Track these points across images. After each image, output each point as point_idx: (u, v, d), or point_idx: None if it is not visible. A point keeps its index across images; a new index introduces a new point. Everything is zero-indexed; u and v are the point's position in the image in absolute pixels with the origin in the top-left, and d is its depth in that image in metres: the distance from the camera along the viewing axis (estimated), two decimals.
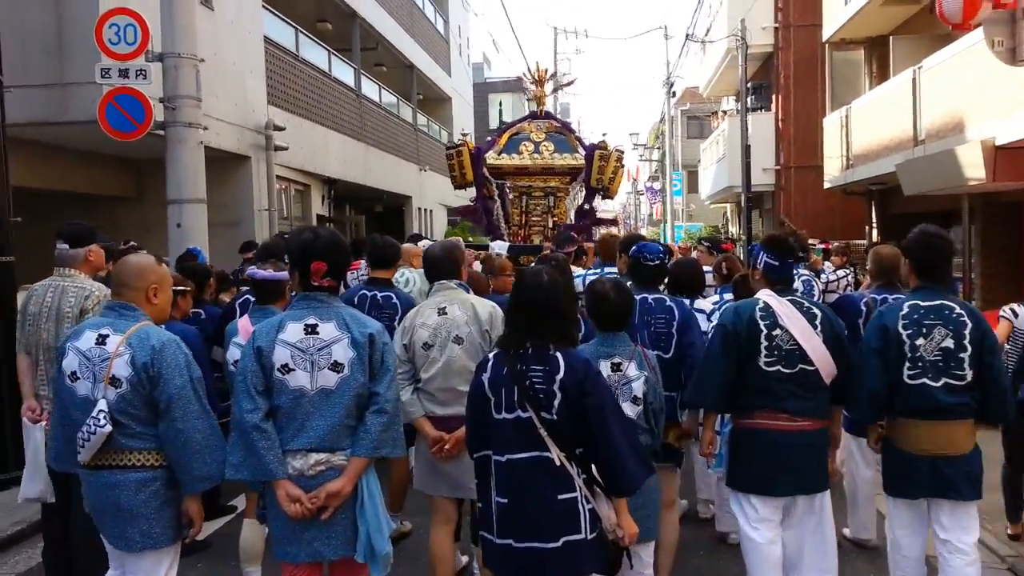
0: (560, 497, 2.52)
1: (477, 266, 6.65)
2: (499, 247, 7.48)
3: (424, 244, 7.88)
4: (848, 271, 9.19)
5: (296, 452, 2.60)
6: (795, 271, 4.53)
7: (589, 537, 2.56)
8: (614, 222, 9.71)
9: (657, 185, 37.92)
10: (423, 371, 3.55)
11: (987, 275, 11.07)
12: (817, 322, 3.27)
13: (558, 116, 11.47)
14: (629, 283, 3.61)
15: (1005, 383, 3.31)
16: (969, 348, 3.19)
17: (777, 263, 3.41)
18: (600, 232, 8.15)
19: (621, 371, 3.11)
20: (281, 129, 11.01)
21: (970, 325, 3.21)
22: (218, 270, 5.88)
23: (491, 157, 8.50)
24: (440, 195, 21.05)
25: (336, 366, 2.61)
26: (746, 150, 16.63)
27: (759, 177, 17.72)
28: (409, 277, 5.62)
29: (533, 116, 8.85)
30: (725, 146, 20.14)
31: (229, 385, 3.45)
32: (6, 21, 6.99)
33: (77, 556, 3.49)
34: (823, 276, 8.92)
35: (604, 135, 8.95)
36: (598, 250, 6.19)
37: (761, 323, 3.26)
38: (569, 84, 14.58)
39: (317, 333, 2.63)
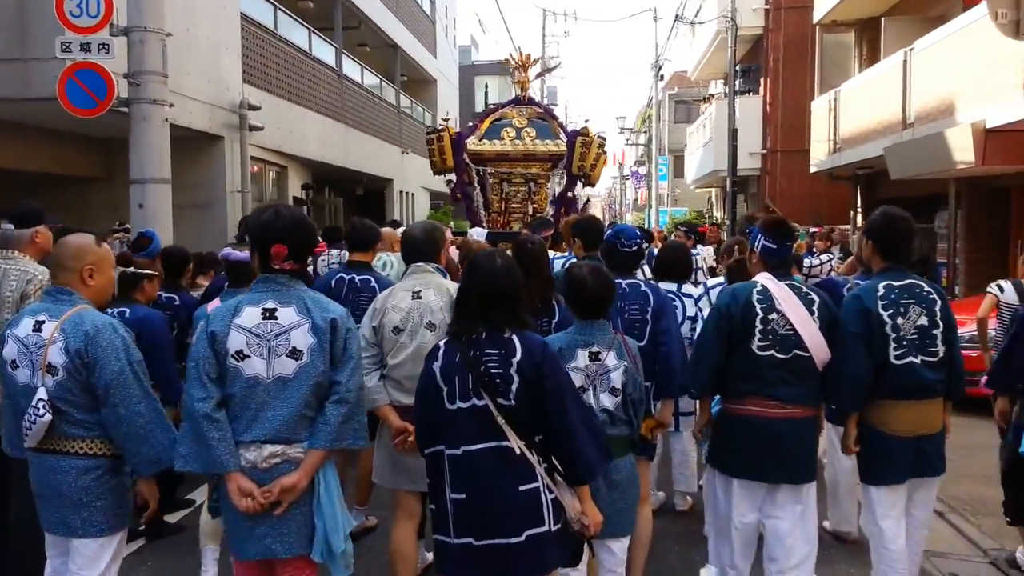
0: (521, 488, 2.42)
1: (454, 251, 6.49)
2: (478, 234, 7.37)
3: (403, 230, 7.68)
4: (831, 256, 9.09)
5: (250, 444, 2.47)
6: None
7: (553, 529, 2.45)
8: (587, 202, 9.57)
9: (643, 170, 37.75)
10: (391, 356, 3.38)
11: (972, 260, 11.00)
12: (815, 307, 3.21)
13: (542, 102, 11.32)
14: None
15: (962, 360, 3.35)
16: (940, 325, 3.22)
17: (775, 246, 3.33)
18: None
19: (600, 360, 2.97)
20: (257, 108, 10.70)
21: (939, 302, 3.25)
22: (205, 252, 5.69)
23: (472, 143, 8.37)
24: (422, 178, 20.75)
25: (295, 353, 2.47)
26: (733, 134, 16.46)
27: (745, 161, 17.60)
28: (387, 260, 5.47)
29: (516, 102, 8.73)
30: (712, 130, 19.96)
31: None
32: None
33: (14, 547, 3.34)
34: (806, 261, 8.85)
35: (587, 121, 9.22)
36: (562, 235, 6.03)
37: (757, 306, 3.20)
38: (553, 69, 14.47)
39: (275, 318, 2.50)
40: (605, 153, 8.86)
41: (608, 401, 2.97)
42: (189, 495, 4.95)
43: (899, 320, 3.18)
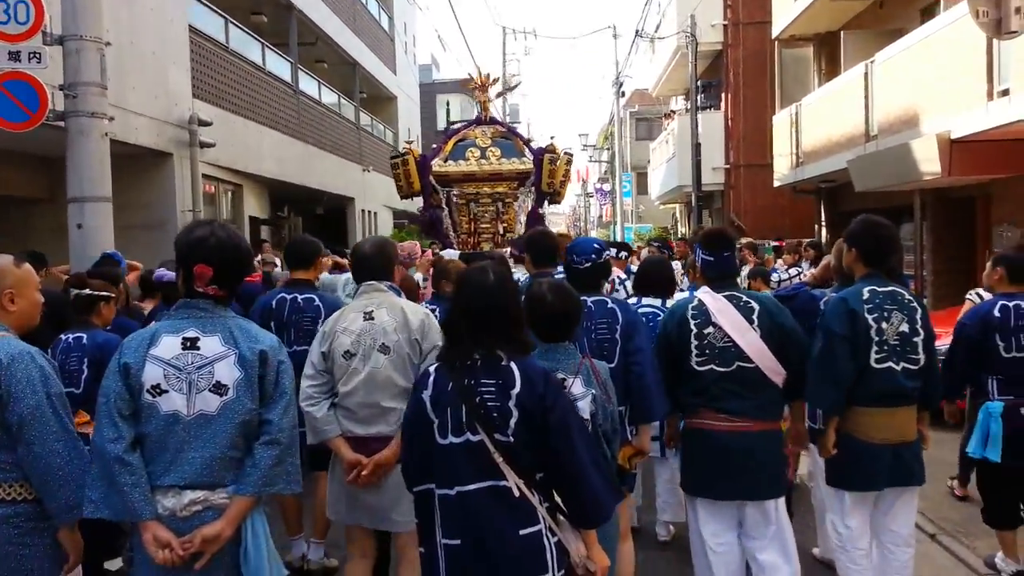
0: (522, 532, 2.18)
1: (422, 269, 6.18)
2: (449, 255, 7.27)
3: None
4: (799, 270, 9.00)
5: (167, 489, 2.24)
6: None
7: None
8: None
9: (607, 187, 37.85)
10: (342, 384, 3.11)
11: (939, 271, 10.99)
12: (754, 316, 3.18)
13: (504, 120, 11.44)
14: None
15: (939, 370, 3.38)
16: (922, 332, 3.22)
17: (712, 258, 3.35)
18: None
19: (565, 388, 2.67)
20: (208, 124, 10.29)
21: (920, 311, 3.26)
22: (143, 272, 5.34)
23: (437, 164, 8.39)
24: (385, 197, 20.39)
25: (219, 387, 2.26)
26: (696, 148, 16.43)
27: (709, 176, 17.61)
28: (348, 278, 5.29)
29: (478, 121, 8.80)
30: (675, 145, 19.98)
31: None
32: None
33: None
34: (774, 275, 8.77)
35: (552, 138, 9.01)
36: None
37: (691, 322, 3.22)
38: (514, 88, 14.68)
39: (197, 348, 2.28)
40: (570, 169, 8.99)
41: None
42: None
43: (883, 325, 3.17)
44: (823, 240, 14.88)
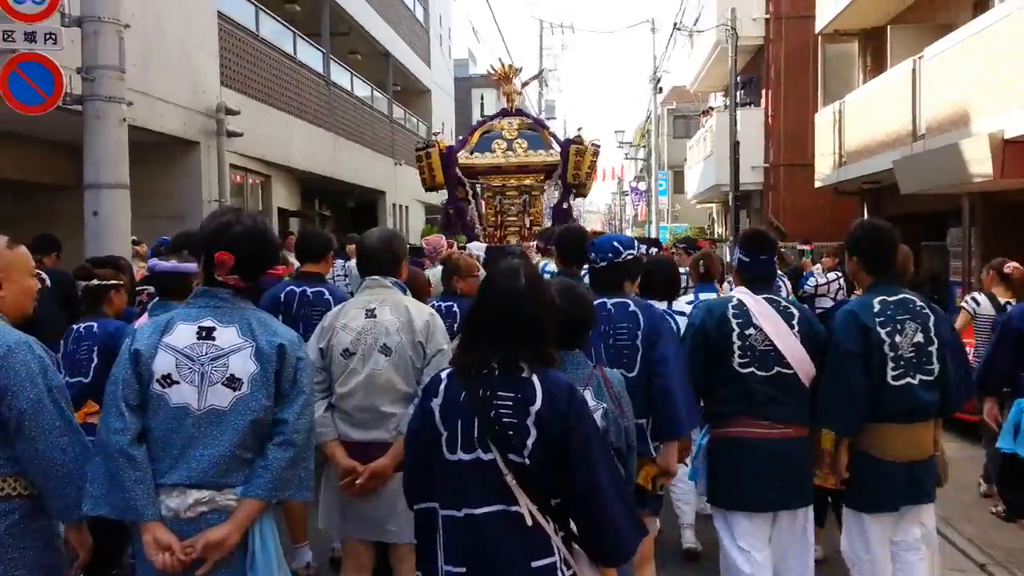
0: (535, 564, 1.97)
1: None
2: (476, 248, 7.20)
3: None
4: (839, 274, 8.61)
5: (172, 488, 2.11)
6: None
7: None
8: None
9: (642, 185, 37.39)
10: (340, 384, 2.93)
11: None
12: (795, 321, 3.11)
13: (533, 112, 11.31)
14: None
15: (954, 377, 3.21)
16: (936, 341, 3.09)
17: (748, 259, 3.26)
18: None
19: None
20: (235, 113, 10.19)
21: (933, 317, 3.12)
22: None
23: (463, 157, 8.28)
24: (417, 191, 20.07)
25: (232, 381, 2.14)
26: (735, 146, 16.00)
27: (747, 175, 17.16)
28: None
29: (504, 113, 8.66)
30: (713, 143, 19.53)
31: None
32: None
33: None
34: (812, 279, 8.39)
35: (579, 129, 8.81)
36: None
37: (733, 321, 3.10)
38: (538, 76, 14.47)
39: (213, 339, 2.17)
40: (596, 161, 8.68)
41: None
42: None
43: (897, 338, 3.03)
44: None
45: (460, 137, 8.89)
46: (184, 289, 3.31)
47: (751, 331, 3.08)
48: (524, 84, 10.21)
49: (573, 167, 8.19)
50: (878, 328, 3.03)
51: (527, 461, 1.96)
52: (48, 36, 5.66)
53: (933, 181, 9.72)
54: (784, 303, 3.19)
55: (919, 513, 3.17)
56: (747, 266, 3.26)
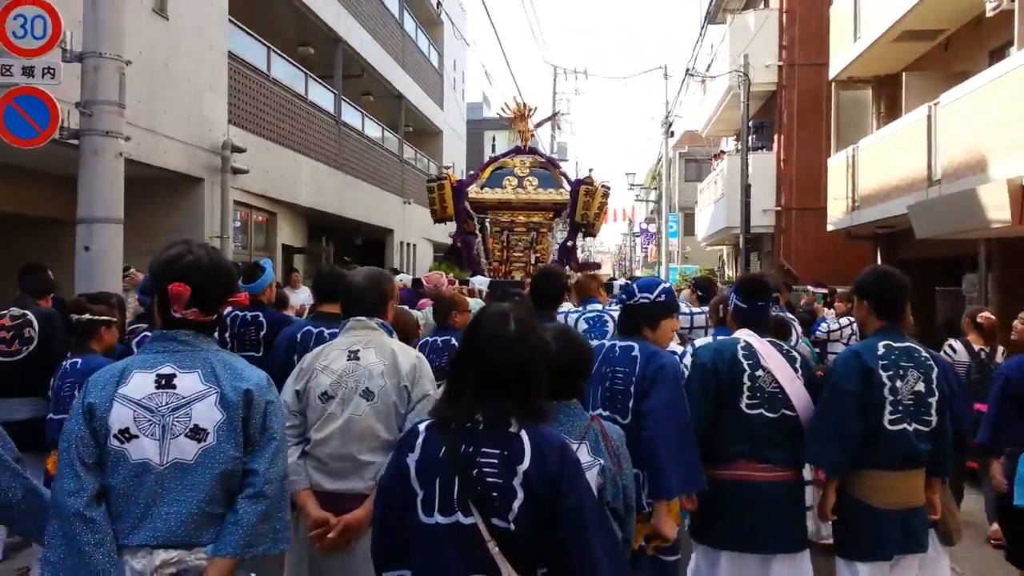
0: None
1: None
2: (479, 282, 7.23)
3: (402, 278, 7.22)
4: (851, 319, 8.39)
5: (137, 549, 1.96)
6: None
7: None
8: (597, 266, 9.79)
9: (652, 227, 37.34)
10: (316, 430, 2.75)
11: (1006, 325, 10.20)
12: (797, 365, 3.14)
13: (545, 152, 11.58)
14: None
15: (950, 433, 3.16)
16: (936, 393, 3.06)
17: (746, 305, 3.30)
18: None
19: None
20: (242, 151, 10.16)
21: (936, 370, 3.08)
22: None
23: (473, 191, 8.38)
24: (425, 229, 20.23)
25: (197, 432, 2.00)
26: (746, 189, 15.89)
27: (758, 218, 17.02)
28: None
29: (517, 151, 8.75)
30: (724, 186, 19.45)
31: None
32: None
33: None
34: (824, 324, 8.18)
35: (591, 170, 8.98)
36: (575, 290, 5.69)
37: (744, 362, 3.10)
38: (554, 117, 14.78)
39: (173, 387, 2.02)
40: (607, 202, 8.78)
41: None
42: None
43: (898, 383, 3.01)
44: None
45: (472, 172, 8.89)
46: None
47: (760, 372, 3.07)
48: (537, 125, 10.30)
49: (582, 207, 8.27)
50: (880, 371, 2.99)
51: (512, 526, 1.78)
52: (46, 71, 5.60)
53: (949, 226, 9.52)
54: (786, 347, 3.22)
55: (913, 563, 3.11)
56: (744, 312, 3.30)
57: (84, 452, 1.97)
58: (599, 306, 5.16)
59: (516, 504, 1.78)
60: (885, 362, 3.01)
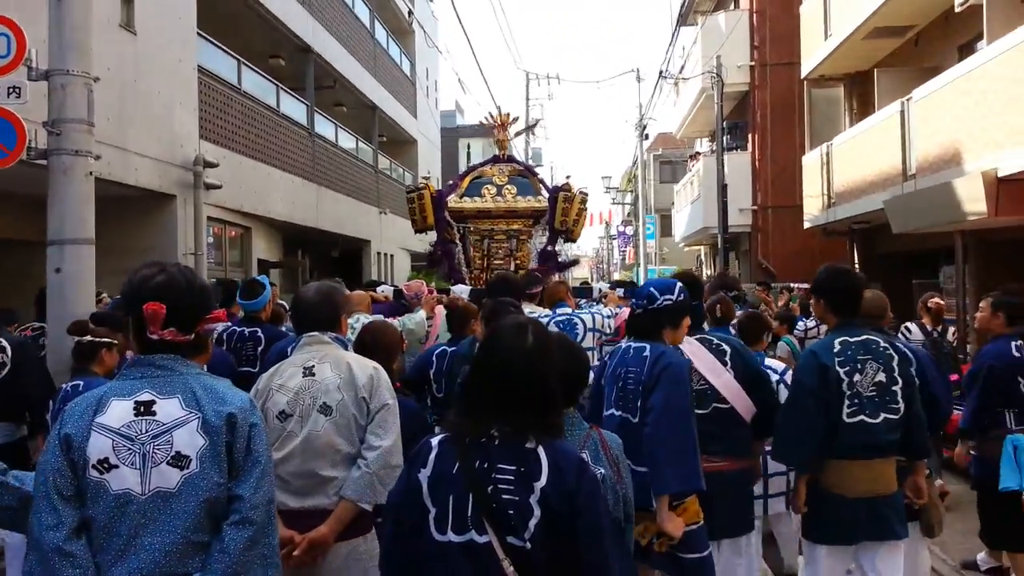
0: None
1: (440, 310, 5.87)
2: (461, 291, 7.11)
3: (383, 289, 7.14)
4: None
5: None
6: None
7: None
8: (575, 262, 9.90)
9: (630, 230, 37.46)
10: (276, 449, 2.71)
11: None
12: (727, 358, 3.30)
13: (522, 160, 11.72)
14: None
15: (923, 419, 3.27)
16: (900, 381, 3.17)
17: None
18: (557, 276, 8.23)
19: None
20: (214, 166, 9.99)
21: (896, 358, 3.20)
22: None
23: (452, 200, 8.48)
24: (402, 239, 20.10)
25: (179, 459, 1.93)
26: (723, 189, 15.95)
27: (735, 218, 17.11)
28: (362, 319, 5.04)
29: (495, 160, 8.88)
30: (700, 187, 19.54)
31: None
32: None
33: None
34: (801, 323, 8.15)
35: (568, 177, 9.00)
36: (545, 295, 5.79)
37: None
38: (533, 127, 14.98)
39: (152, 414, 1.96)
40: (586, 208, 8.85)
41: None
42: None
43: (856, 377, 3.13)
44: None
45: (450, 181, 9.05)
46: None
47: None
48: (517, 134, 10.40)
49: (561, 214, 8.31)
50: (837, 367, 3.11)
51: (528, 545, 1.73)
52: (12, 90, 5.45)
53: (926, 220, 9.59)
54: (716, 341, 3.37)
55: (893, 552, 3.19)
56: None
57: (62, 484, 1.90)
58: (568, 309, 5.31)
59: (532, 522, 1.74)
60: (841, 358, 3.13)
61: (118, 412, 1.94)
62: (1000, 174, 7.98)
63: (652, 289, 3.17)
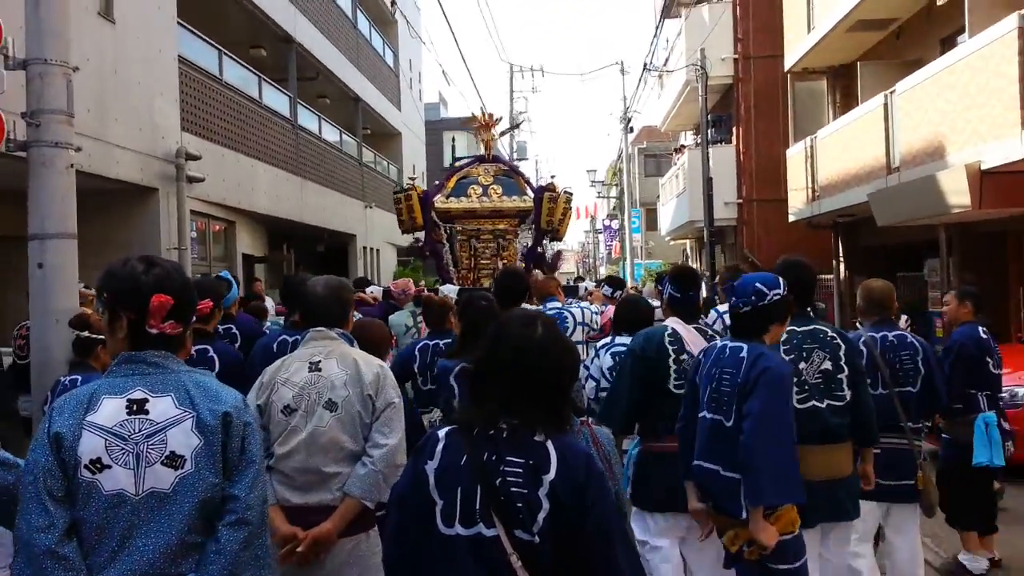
0: None
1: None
2: (448, 290, 7.19)
3: (372, 291, 7.13)
4: (822, 307, 8.51)
5: None
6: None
7: None
8: (558, 256, 10.29)
9: (615, 223, 37.49)
10: (279, 444, 2.72)
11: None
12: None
13: (509, 157, 11.81)
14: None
15: (871, 405, 3.38)
16: (845, 369, 3.28)
17: (679, 295, 3.60)
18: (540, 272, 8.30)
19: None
20: (196, 158, 9.87)
21: (843, 347, 3.32)
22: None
23: (439, 201, 8.58)
24: (387, 233, 19.99)
25: (173, 459, 1.89)
26: (708, 182, 15.99)
27: (721, 211, 17.16)
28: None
29: (481, 160, 9.01)
30: (685, 180, 19.57)
31: None
32: None
33: None
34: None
35: (553, 177, 9.27)
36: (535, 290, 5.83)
37: (669, 348, 3.41)
38: (518, 127, 15.52)
39: (145, 412, 1.91)
40: (570, 208, 9.06)
41: None
42: None
43: (802, 364, 3.26)
44: (842, 276, 14.36)
45: (437, 182, 9.24)
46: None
47: (685, 356, 3.38)
48: (502, 134, 10.56)
49: (546, 213, 8.47)
50: (783, 355, 3.19)
51: (536, 539, 1.71)
52: None
53: (910, 213, 9.66)
54: (711, 332, 3.57)
55: (847, 530, 3.37)
56: (677, 301, 3.61)
57: (52, 485, 1.85)
58: (558, 304, 5.38)
59: (541, 515, 1.72)
60: (787, 346, 3.27)
61: (110, 410, 1.90)
62: (983, 167, 8.05)
63: (758, 285, 3.03)
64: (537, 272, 7.90)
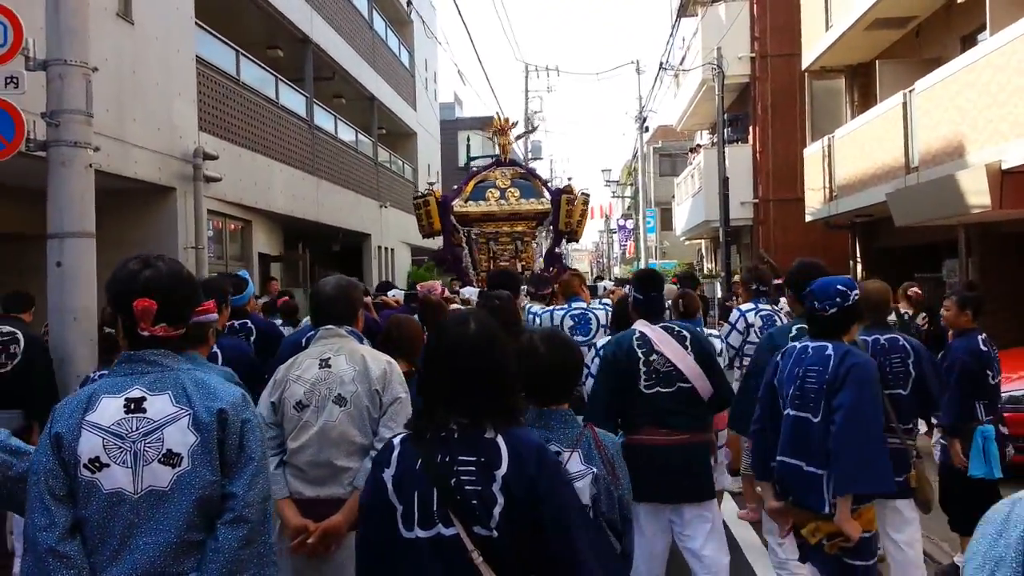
0: None
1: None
2: (469, 293, 7.25)
3: (394, 294, 7.16)
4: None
5: None
6: (756, 304, 5.45)
7: None
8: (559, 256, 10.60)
9: (630, 223, 37.39)
10: (292, 438, 2.84)
11: (987, 311, 10.24)
12: (687, 343, 3.56)
13: (525, 157, 11.91)
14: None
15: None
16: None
17: (642, 297, 3.71)
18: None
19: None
20: (214, 158, 9.92)
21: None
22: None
23: (458, 205, 8.72)
24: (402, 233, 20.03)
25: (171, 457, 1.89)
26: (724, 182, 15.90)
27: (737, 211, 17.07)
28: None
29: (498, 163, 9.17)
30: (701, 179, 19.48)
31: None
32: None
33: None
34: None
35: (570, 179, 9.35)
36: (560, 288, 5.85)
37: (638, 351, 3.54)
38: (533, 131, 15.77)
39: (143, 411, 1.91)
40: (587, 209, 9.15)
41: None
42: None
43: (651, 357, 3.48)
44: (859, 277, 14.24)
45: (455, 186, 9.27)
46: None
47: (655, 356, 3.50)
48: (517, 138, 10.64)
49: (565, 215, 8.54)
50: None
51: (495, 533, 1.75)
52: (9, 80, 5.39)
53: (929, 213, 9.56)
54: (677, 328, 3.65)
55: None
56: (641, 303, 3.71)
57: (54, 484, 1.88)
58: (583, 304, 5.34)
59: (497, 510, 1.75)
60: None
61: (109, 410, 1.92)
62: (1004, 166, 7.95)
63: (840, 287, 3.15)
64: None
